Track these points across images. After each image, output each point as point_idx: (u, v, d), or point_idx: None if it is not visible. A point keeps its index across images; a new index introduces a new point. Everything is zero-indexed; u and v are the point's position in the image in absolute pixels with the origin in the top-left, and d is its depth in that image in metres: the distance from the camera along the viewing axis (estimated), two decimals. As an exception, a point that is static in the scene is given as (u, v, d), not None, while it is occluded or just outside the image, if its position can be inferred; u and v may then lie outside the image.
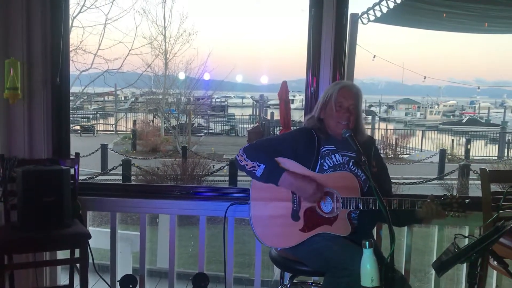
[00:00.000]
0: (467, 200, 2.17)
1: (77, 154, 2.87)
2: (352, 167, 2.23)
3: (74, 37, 10.54)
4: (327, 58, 2.76)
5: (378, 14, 4.98)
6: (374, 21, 5.04)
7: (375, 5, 4.96)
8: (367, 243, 1.71)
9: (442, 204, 2.14)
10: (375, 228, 2.80)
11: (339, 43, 2.77)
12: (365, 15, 5.07)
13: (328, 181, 2.16)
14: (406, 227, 2.88)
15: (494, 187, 2.68)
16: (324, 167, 2.21)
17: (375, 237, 2.75)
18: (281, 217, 2.16)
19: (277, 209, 2.16)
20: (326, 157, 2.22)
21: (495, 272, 2.81)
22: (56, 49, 2.86)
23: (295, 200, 2.17)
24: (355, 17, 4.61)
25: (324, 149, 2.23)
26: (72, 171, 2.77)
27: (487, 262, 2.57)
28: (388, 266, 1.80)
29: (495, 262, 2.02)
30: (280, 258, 2.26)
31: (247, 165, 2.16)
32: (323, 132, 2.26)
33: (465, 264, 2.44)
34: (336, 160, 2.22)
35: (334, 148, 2.24)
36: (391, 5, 4.83)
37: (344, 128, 2.16)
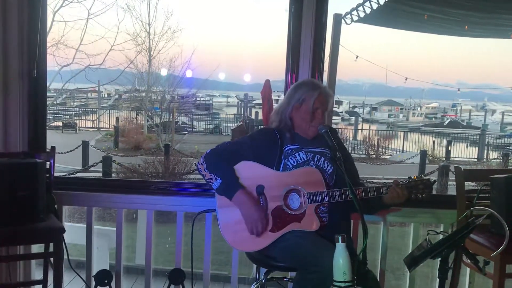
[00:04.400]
0: (432, 179, 2.20)
1: (53, 148, 2.83)
2: (317, 162, 2.23)
3: (56, 32, 10.39)
4: (306, 56, 2.77)
5: (362, 14, 5.01)
6: (357, 21, 5.07)
7: (358, 5, 4.99)
8: (339, 237, 1.72)
9: (407, 187, 2.16)
10: (352, 225, 2.83)
11: (319, 41, 2.78)
12: (349, 16, 5.10)
13: (292, 178, 2.17)
14: (382, 226, 2.92)
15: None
16: (288, 167, 2.20)
17: (351, 234, 2.78)
18: None
19: None
20: (290, 156, 2.21)
21: (468, 269, 2.85)
22: (33, 42, 2.81)
23: (261, 202, 2.17)
24: (339, 17, 4.64)
25: (287, 148, 2.23)
26: (47, 165, 2.73)
27: (460, 259, 2.62)
28: (361, 262, 1.82)
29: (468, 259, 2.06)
30: (255, 254, 2.26)
31: (205, 175, 2.19)
32: (290, 131, 2.26)
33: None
34: (300, 158, 2.22)
35: (298, 146, 2.23)
36: (374, 6, 4.87)
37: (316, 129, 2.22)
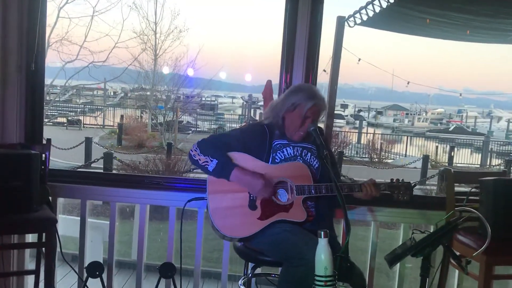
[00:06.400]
0: (413, 183, 2.34)
1: (49, 140, 2.87)
2: (305, 157, 2.32)
3: (60, 28, 10.48)
4: (300, 56, 2.79)
5: (365, 17, 5.03)
6: (361, 24, 5.09)
7: (361, 8, 5.01)
8: (321, 233, 1.75)
9: (390, 186, 2.29)
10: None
11: (313, 41, 2.80)
12: (352, 19, 5.12)
13: (280, 171, 2.25)
14: (372, 226, 2.94)
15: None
16: (276, 160, 2.30)
17: (340, 232, 2.80)
18: (238, 207, 2.22)
19: (234, 200, 2.22)
20: (278, 151, 2.31)
21: (457, 271, 2.87)
22: (32, 36, 2.85)
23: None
24: (342, 20, 4.66)
25: (276, 143, 2.32)
26: (43, 157, 2.76)
27: (448, 260, 2.63)
28: (343, 257, 1.84)
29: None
30: (243, 248, 2.30)
31: (200, 159, 2.22)
32: (280, 128, 2.33)
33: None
34: (288, 153, 2.31)
35: (286, 142, 2.33)
36: (377, 9, 4.89)
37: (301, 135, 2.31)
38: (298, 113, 2.27)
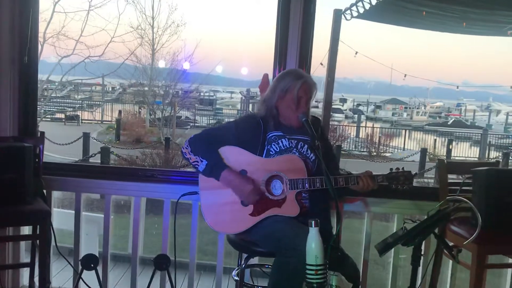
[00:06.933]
0: (413, 172, 2.25)
1: (42, 134, 2.87)
2: (301, 149, 2.28)
3: (56, 23, 10.44)
4: (293, 48, 2.78)
5: (361, 10, 5.02)
6: (357, 17, 5.08)
7: (357, 1, 5.00)
8: (312, 222, 1.75)
9: (388, 178, 2.22)
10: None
11: (306, 32, 2.79)
12: (348, 11, 5.11)
13: (274, 164, 2.22)
14: (366, 217, 2.95)
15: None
16: (271, 152, 2.26)
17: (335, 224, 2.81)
18: (230, 203, 2.21)
19: (226, 196, 2.21)
20: (273, 143, 2.27)
21: (450, 262, 2.87)
22: (24, 28, 2.84)
23: None
24: (339, 13, 4.65)
25: (270, 135, 2.29)
26: (37, 150, 2.76)
27: (441, 251, 2.64)
28: (334, 247, 1.85)
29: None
30: (236, 239, 2.30)
31: (190, 158, 2.23)
32: (275, 119, 2.30)
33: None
34: (283, 145, 2.27)
35: (281, 134, 2.29)
36: (374, 1, 4.88)
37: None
38: (290, 96, 2.25)
